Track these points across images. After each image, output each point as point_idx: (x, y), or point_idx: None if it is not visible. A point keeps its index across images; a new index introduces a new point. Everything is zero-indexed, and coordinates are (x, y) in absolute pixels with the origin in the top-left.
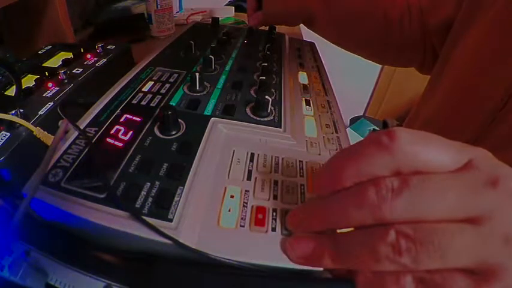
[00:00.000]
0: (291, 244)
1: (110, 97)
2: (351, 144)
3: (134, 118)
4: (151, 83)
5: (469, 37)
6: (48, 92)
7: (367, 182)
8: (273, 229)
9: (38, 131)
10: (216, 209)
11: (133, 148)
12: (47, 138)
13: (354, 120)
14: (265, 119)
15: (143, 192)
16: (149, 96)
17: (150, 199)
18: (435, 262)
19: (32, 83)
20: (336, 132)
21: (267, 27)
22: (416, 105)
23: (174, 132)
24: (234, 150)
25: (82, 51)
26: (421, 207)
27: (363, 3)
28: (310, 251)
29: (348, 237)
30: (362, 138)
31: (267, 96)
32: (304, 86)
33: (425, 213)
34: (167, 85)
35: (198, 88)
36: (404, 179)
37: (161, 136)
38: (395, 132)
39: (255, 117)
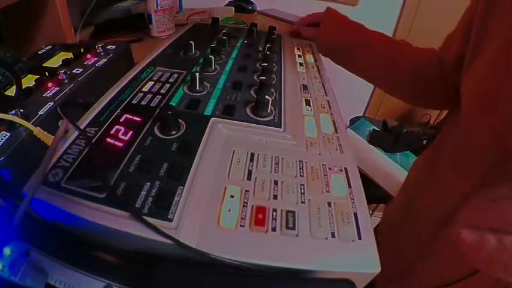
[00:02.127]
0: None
1: (110, 97)
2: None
3: (134, 118)
4: (151, 83)
5: (469, 76)
6: (48, 92)
7: None
8: (273, 229)
9: (38, 131)
10: (216, 209)
11: (133, 148)
12: (47, 138)
13: (354, 120)
14: (265, 119)
15: (143, 192)
16: (149, 96)
17: (150, 199)
18: None
19: (32, 83)
20: (336, 132)
21: (267, 27)
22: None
23: (174, 132)
24: (234, 150)
25: (82, 51)
26: None
27: (393, 50)
28: (470, 240)
29: None
30: (362, 138)
31: (267, 96)
32: (304, 86)
33: None
34: (167, 85)
35: (198, 88)
36: None
37: (161, 136)
38: None
39: (255, 117)
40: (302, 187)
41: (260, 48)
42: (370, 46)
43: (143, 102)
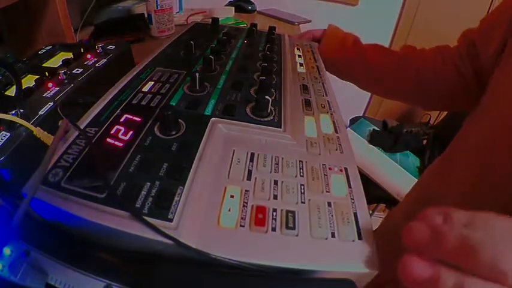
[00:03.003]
0: (406, 263)
1: (110, 97)
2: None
3: (134, 118)
4: (151, 83)
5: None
6: (48, 92)
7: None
8: (273, 229)
9: (38, 131)
10: (216, 208)
11: (133, 148)
12: (47, 138)
13: (354, 120)
14: (265, 119)
15: (143, 192)
16: (149, 96)
17: (150, 199)
18: None
19: (32, 83)
20: (336, 132)
21: (267, 27)
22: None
23: (174, 132)
24: (234, 150)
25: (82, 51)
26: None
27: (395, 67)
28: (426, 277)
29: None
30: (362, 138)
31: (267, 96)
32: (304, 86)
33: None
34: (167, 85)
35: (198, 88)
36: None
37: (161, 136)
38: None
39: (255, 117)
40: (302, 187)
41: (260, 48)
42: (368, 64)
43: (143, 102)
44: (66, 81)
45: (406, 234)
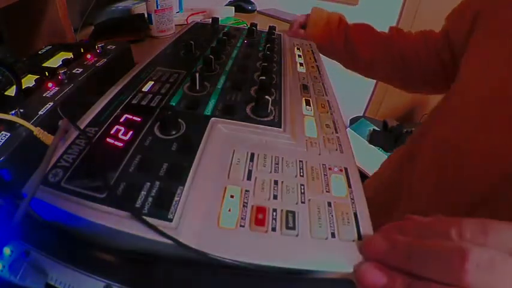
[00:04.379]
0: (365, 272)
1: (110, 97)
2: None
3: (134, 118)
4: (151, 83)
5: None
6: (48, 92)
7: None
8: (273, 229)
9: (38, 131)
10: (216, 209)
11: (133, 148)
12: (47, 138)
13: (354, 120)
14: (265, 119)
15: (143, 192)
16: (149, 96)
17: (150, 199)
18: None
19: (32, 83)
20: (336, 132)
21: (267, 27)
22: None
23: (174, 132)
24: (234, 150)
25: (82, 51)
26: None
27: (379, 47)
28: (380, 284)
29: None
30: (362, 138)
31: (267, 96)
32: (304, 86)
33: None
34: (167, 85)
35: (198, 88)
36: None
37: (161, 136)
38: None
39: (255, 117)
40: (302, 187)
41: (260, 48)
42: (353, 45)
43: (143, 102)
44: (66, 81)
45: (367, 245)
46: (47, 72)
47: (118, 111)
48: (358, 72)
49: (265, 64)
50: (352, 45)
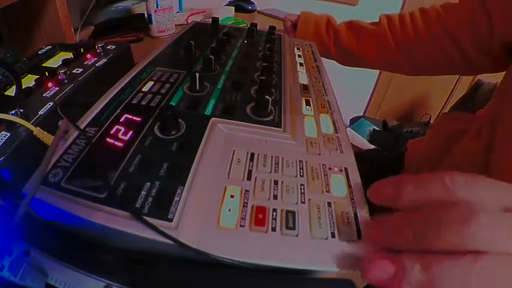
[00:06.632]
0: (370, 264)
1: (110, 97)
2: (351, 143)
3: (134, 118)
4: (151, 83)
5: None
6: (48, 92)
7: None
8: (273, 229)
9: (38, 131)
10: (216, 209)
11: (133, 148)
12: (47, 138)
13: (354, 120)
14: (265, 119)
15: (143, 192)
16: (149, 96)
17: (150, 199)
18: None
19: (32, 83)
20: (336, 132)
21: (267, 27)
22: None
23: (174, 132)
24: (234, 150)
25: (82, 51)
26: None
27: (372, 41)
28: (388, 276)
29: (441, 268)
30: (362, 138)
31: (267, 96)
32: (304, 86)
33: None
34: (167, 85)
35: (198, 88)
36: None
37: (161, 136)
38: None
39: (255, 117)
40: (302, 187)
41: (260, 48)
42: (343, 46)
43: (143, 102)
44: (66, 81)
45: (365, 237)
46: (47, 72)
47: (118, 111)
48: (357, 67)
49: (265, 64)
50: (343, 45)
